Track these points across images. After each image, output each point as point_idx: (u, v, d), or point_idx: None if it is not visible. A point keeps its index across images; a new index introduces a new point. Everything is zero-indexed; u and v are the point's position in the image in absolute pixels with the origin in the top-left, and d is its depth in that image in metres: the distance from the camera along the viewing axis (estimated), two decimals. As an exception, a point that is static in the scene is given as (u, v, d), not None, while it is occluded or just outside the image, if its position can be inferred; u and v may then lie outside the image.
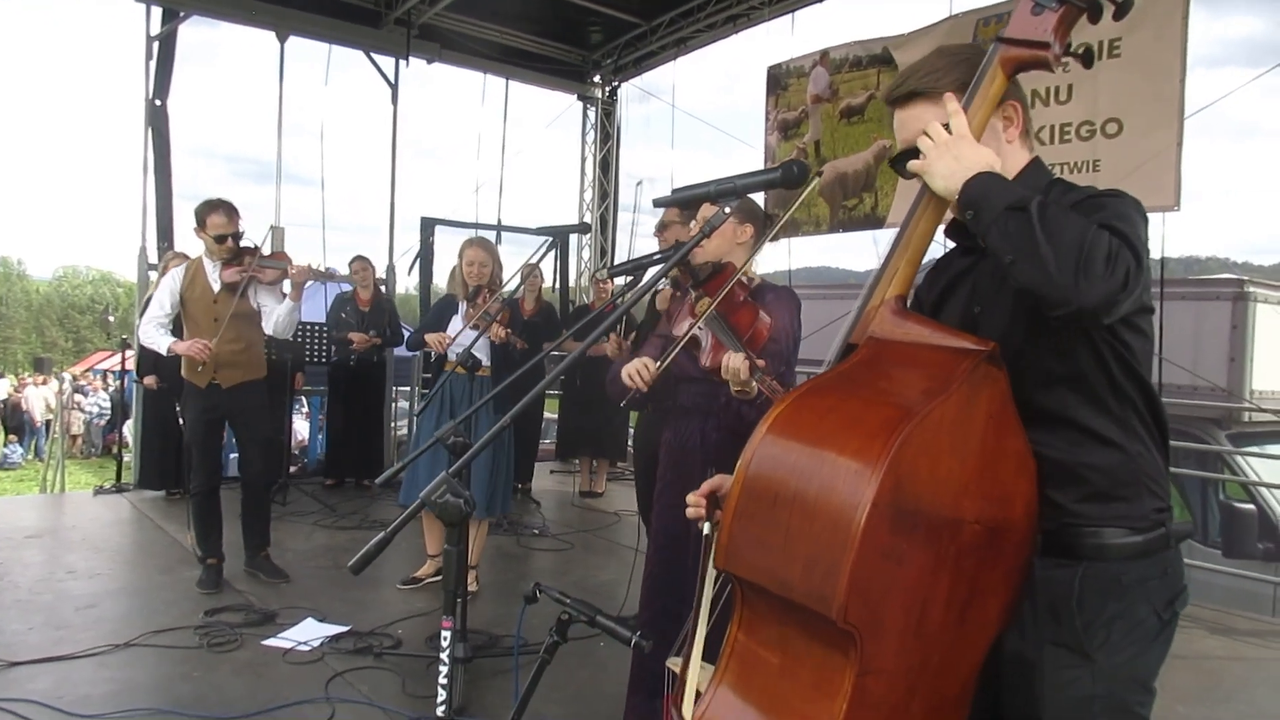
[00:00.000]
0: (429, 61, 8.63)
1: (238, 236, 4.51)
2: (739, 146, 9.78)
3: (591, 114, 10.14)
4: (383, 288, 7.86)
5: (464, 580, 3.53)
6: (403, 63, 8.42)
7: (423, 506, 1.39)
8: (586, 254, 10.30)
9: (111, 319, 33.19)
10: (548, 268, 9.08)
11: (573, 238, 9.82)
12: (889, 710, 1.29)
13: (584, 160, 10.28)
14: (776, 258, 8.73)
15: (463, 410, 4.39)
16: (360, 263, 7.21)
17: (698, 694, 1.53)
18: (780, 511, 1.30)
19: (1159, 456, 1.45)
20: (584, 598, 1.93)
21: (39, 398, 18.42)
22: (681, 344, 2.56)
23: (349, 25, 8.08)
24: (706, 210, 2.51)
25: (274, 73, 7.99)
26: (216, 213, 4.45)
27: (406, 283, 9.06)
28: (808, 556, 1.25)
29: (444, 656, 1.56)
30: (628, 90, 10.00)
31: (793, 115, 7.59)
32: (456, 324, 4.53)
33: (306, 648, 3.76)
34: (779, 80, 7.73)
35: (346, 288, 7.17)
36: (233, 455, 6.05)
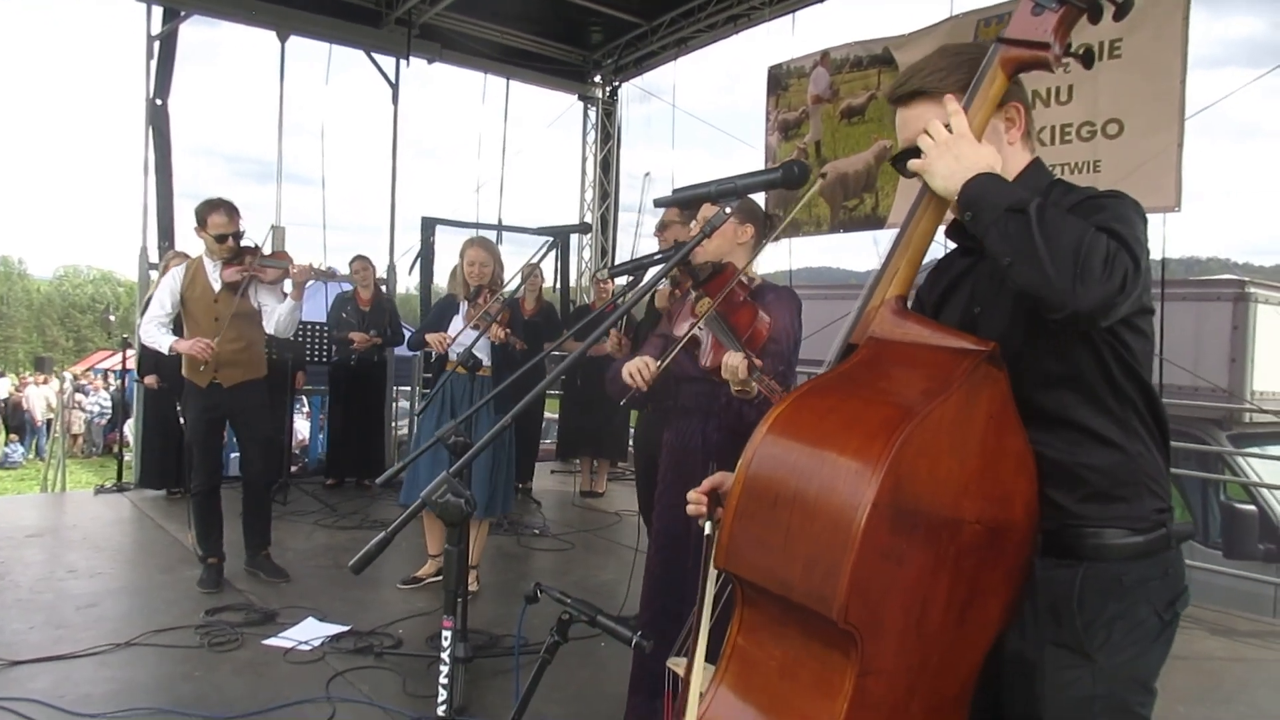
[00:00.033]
0: (430, 61, 8.63)
1: (238, 236, 4.51)
2: (739, 147, 9.80)
3: (592, 114, 10.14)
4: (383, 287, 7.86)
5: (464, 580, 3.53)
6: (403, 62, 8.42)
7: (423, 506, 1.39)
8: (587, 254, 10.30)
9: (112, 318, 33.24)
10: (548, 268, 9.10)
11: (573, 238, 9.83)
12: (889, 710, 1.29)
13: (584, 160, 10.28)
14: (777, 258, 8.75)
15: (463, 410, 4.39)
16: (360, 262, 7.21)
17: (700, 695, 1.53)
18: (781, 511, 1.30)
19: (1159, 457, 1.45)
20: (584, 598, 1.93)
21: (40, 397, 18.43)
22: (682, 344, 2.57)
23: (350, 25, 8.08)
24: (707, 210, 2.51)
25: (275, 72, 8.00)
26: (217, 212, 4.46)
27: (407, 282, 9.08)
28: (808, 556, 1.25)
29: (444, 656, 1.56)
30: (628, 90, 10.01)
31: (793, 115, 7.58)
32: (457, 324, 4.54)
33: (307, 647, 3.76)
34: (779, 80, 7.73)
35: (347, 287, 7.17)
36: (233, 455, 6.06)
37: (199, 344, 4.34)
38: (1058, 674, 1.40)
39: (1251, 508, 5.62)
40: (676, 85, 9.70)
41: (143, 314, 5.09)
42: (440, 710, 1.58)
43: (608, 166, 10.21)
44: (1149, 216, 1.41)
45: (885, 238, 6.81)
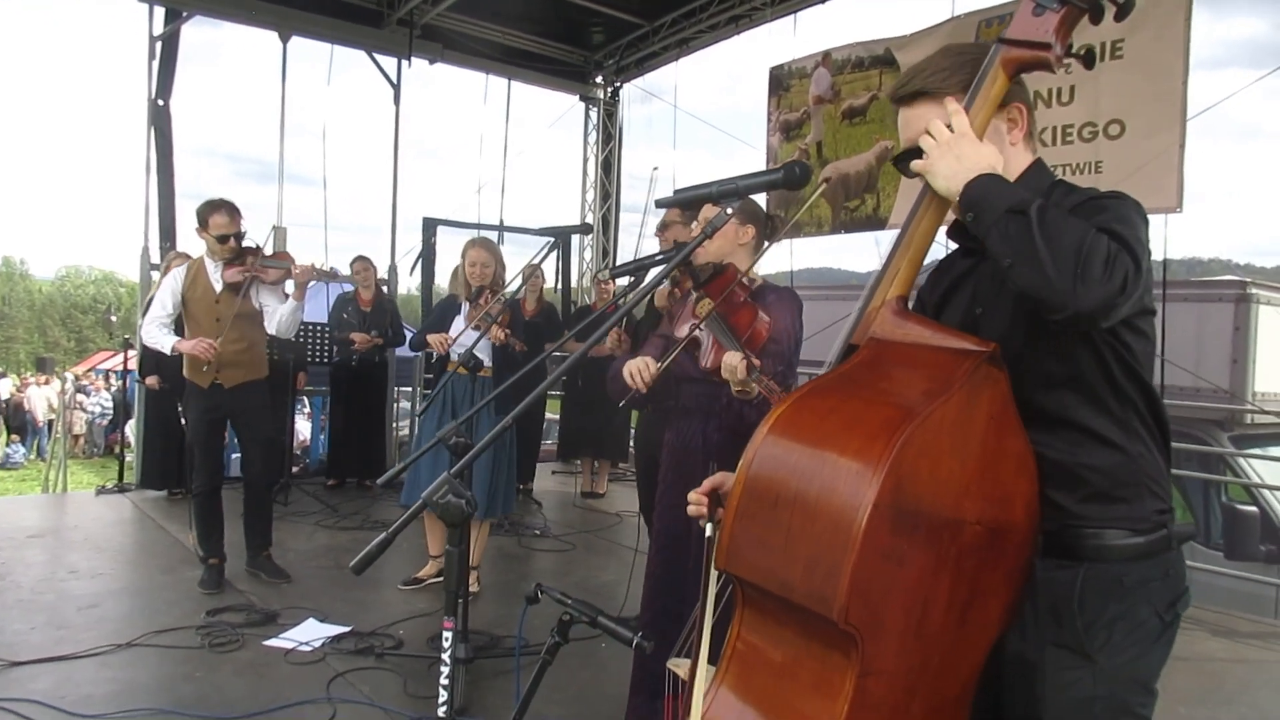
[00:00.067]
0: (431, 62, 8.64)
1: (240, 236, 4.51)
2: (741, 147, 9.79)
3: (593, 114, 10.15)
4: (384, 288, 7.86)
5: (465, 581, 3.54)
6: (405, 63, 8.43)
7: (424, 507, 1.39)
8: (588, 254, 10.31)
9: (114, 319, 33.28)
10: (550, 268, 9.10)
11: (575, 238, 9.83)
12: (889, 711, 1.29)
13: (586, 161, 10.29)
14: (779, 258, 8.75)
15: (464, 411, 4.39)
16: (362, 263, 7.22)
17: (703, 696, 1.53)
18: (781, 512, 1.30)
19: (1160, 458, 1.45)
20: (585, 598, 1.93)
21: (41, 397, 18.44)
22: (682, 345, 2.57)
23: (351, 25, 8.09)
24: (708, 211, 2.51)
25: (276, 73, 8.03)
26: (219, 213, 4.46)
27: (408, 283, 9.08)
28: (809, 557, 1.25)
29: (445, 657, 1.56)
30: (630, 91, 10.01)
31: (795, 116, 7.59)
32: (459, 324, 4.54)
33: (308, 648, 3.76)
34: (781, 81, 7.73)
35: (348, 288, 7.18)
36: (234, 455, 6.06)
37: (202, 344, 4.34)
38: (1058, 675, 1.40)
39: (1253, 509, 5.61)
40: (678, 86, 9.72)
41: (144, 315, 5.09)
42: (441, 711, 1.58)
43: (609, 167, 10.21)
44: (1150, 217, 1.40)
45: (886, 238, 6.81)
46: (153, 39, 7.19)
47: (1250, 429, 6.28)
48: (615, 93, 10.07)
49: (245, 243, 4.55)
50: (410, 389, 8.92)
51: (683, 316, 2.78)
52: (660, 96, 9.90)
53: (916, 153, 1.45)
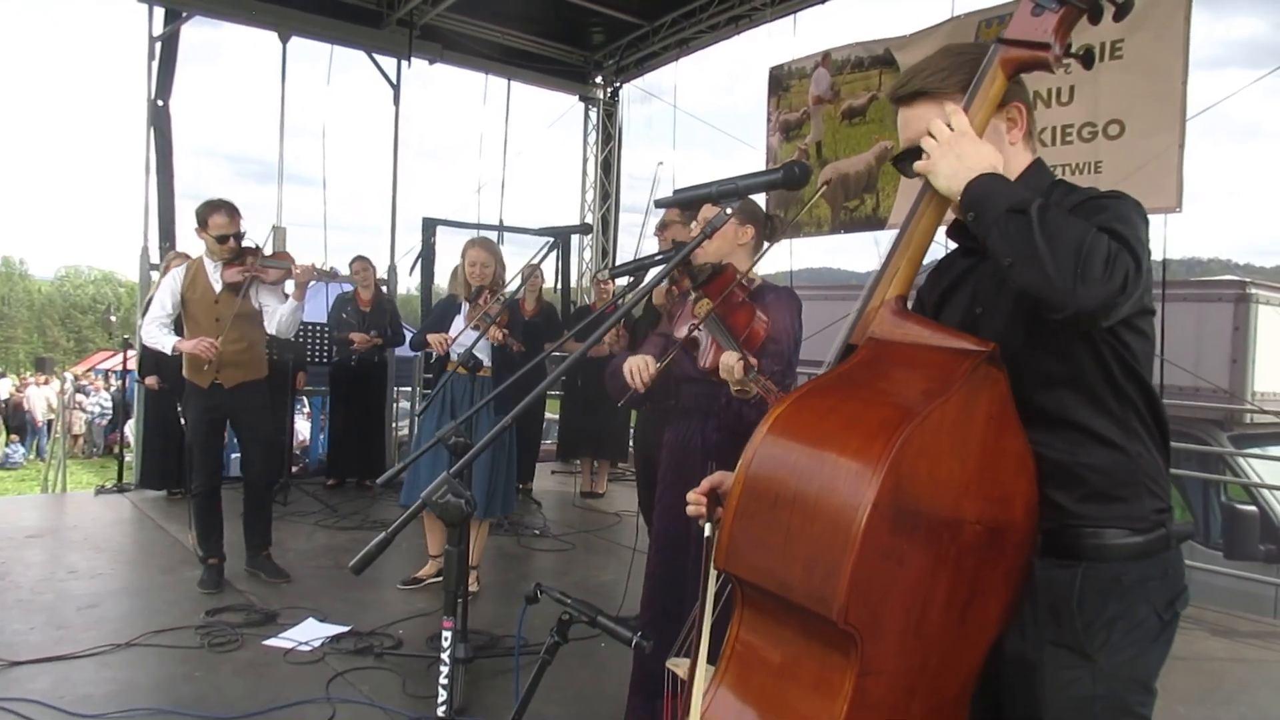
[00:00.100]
0: (431, 62, 8.64)
1: (239, 236, 4.51)
2: (740, 147, 9.78)
3: (593, 115, 10.15)
4: (384, 288, 7.86)
5: (465, 580, 3.54)
6: (404, 63, 8.43)
7: (424, 507, 1.39)
8: (588, 254, 10.31)
9: (113, 319, 33.28)
10: (549, 268, 9.10)
11: (574, 238, 9.83)
12: (889, 711, 1.29)
13: (585, 161, 10.29)
14: (778, 258, 8.75)
15: (464, 410, 4.39)
16: (361, 263, 7.22)
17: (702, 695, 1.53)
18: (781, 512, 1.30)
19: (1159, 457, 1.45)
20: (585, 598, 1.93)
21: (41, 397, 18.44)
22: (680, 345, 2.57)
23: (351, 26, 8.09)
24: (708, 211, 2.51)
25: (276, 73, 8.02)
26: (218, 213, 4.46)
27: (408, 283, 9.09)
28: (808, 557, 1.25)
29: (445, 657, 1.56)
30: (629, 91, 10.01)
31: (794, 116, 7.59)
32: (459, 324, 4.54)
33: (307, 648, 3.76)
34: (780, 81, 7.73)
35: (347, 288, 7.18)
36: (234, 455, 6.06)
37: (203, 343, 4.33)
38: (1057, 674, 1.40)
39: (1252, 508, 5.61)
40: (677, 86, 9.68)
41: (144, 315, 5.09)
42: (440, 711, 1.58)
43: (609, 167, 10.21)
44: (1150, 217, 1.41)
45: (886, 238, 6.81)
46: (152, 39, 7.19)
47: (1249, 429, 6.28)
48: (615, 93, 10.07)
49: (245, 243, 4.55)
50: (410, 389, 8.92)
51: (682, 316, 2.79)
52: (660, 96, 9.92)
53: (916, 153, 1.45)
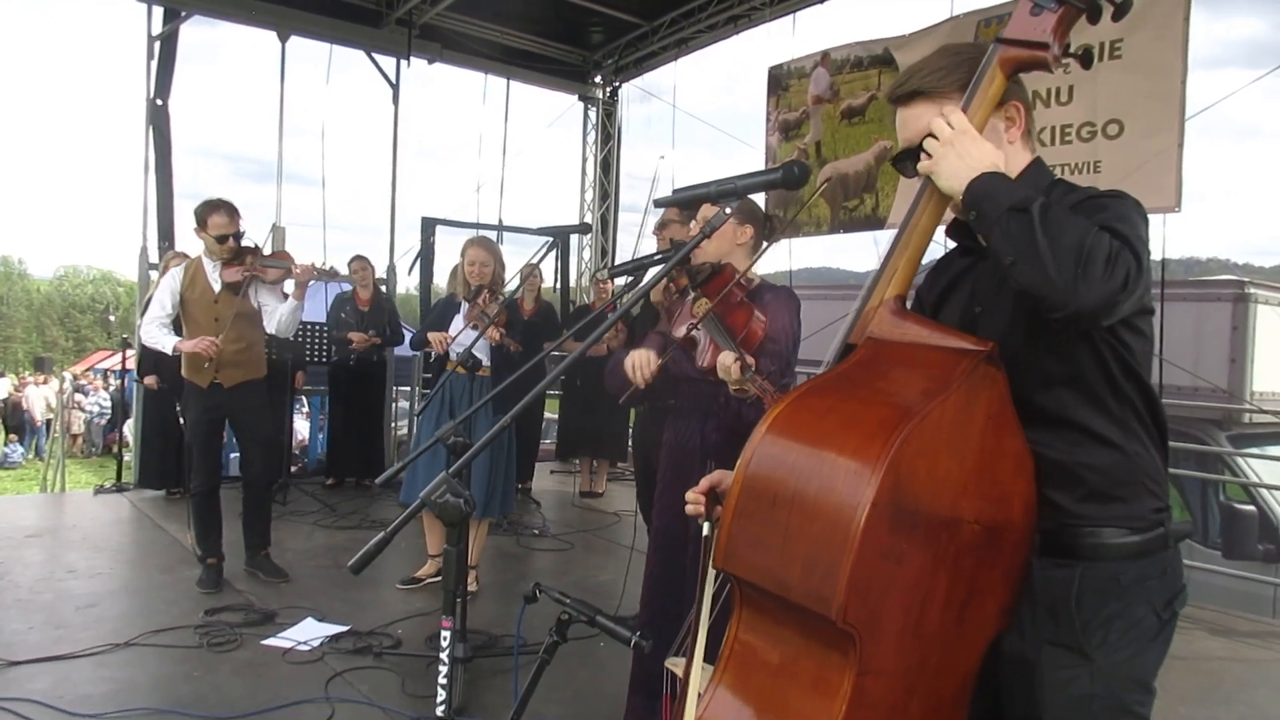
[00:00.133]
0: (430, 61, 8.64)
1: (239, 236, 4.51)
2: (739, 147, 9.81)
3: (592, 114, 10.14)
4: (383, 288, 7.86)
5: (464, 580, 3.53)
6: (404, 63, 8.42)
7: (423, 506, 1.39)
8: (587, 254, 10.31)
9: (112, 318, 33.27)
10: (549, 268, 9.10)
11: (573, 238, 9.83)
12: (888, 710, 1.29)
13: (585, 160, 10.29)
14: (778, 258, 8.75)
15: (463, 410, 4.39)
16: (359, 262, 7.21)
17: (698, 696, 1.53)
18: (779, 511, 1.30)
19: (1158, 457, 1.45)
20: (584, 598, 1.93)
21: (39, 397, 18.43)
22: (678, 345, 2.57)
23: (350, 25, 8.08)
24: (707, 211, 2.51)
25: (275, 72, 8.01)
26: (218, 213, 4.45)
27: (407, 283, 9.09)
28: (807, 557, 1.25)
29: (444, 656, 1.56)
30: (629, 90, 10.01)
31: (794, 116, 7.58)
32: (458, 323, 4.54)
33: (306, 647, 3.76)
34: (780, 81, 7.73)
35: (346, 287, 7.17)
36: (233, 455, 6.06)
37: (204, 341, 4.33)
38: (1056, 673, 1.40)
39: (1251, 508, 5.62)
40: (677, 86, 9.69)
41: (143, 314, 5.09)
42: (439, 710, 1.58)
43: (608, 167, 10.21)
44: (1149, 217, 1.41)
45: (885, 238, 6.80)
46: (151, 38, 7.18)
47: (1248, 428, 6.28)
48: (614, 92, 10.06)
49: (244, 242, 4.55)
50: (409, 388, 8.92)
51: (680, 316, 2.79)
52: (659, 96, 9.92)
53: (914, 153, 1.45)
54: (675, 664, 1.91)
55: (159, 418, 6.57)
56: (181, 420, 5.67)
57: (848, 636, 1.23)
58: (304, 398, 9.53)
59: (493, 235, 8.13)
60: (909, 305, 1.52)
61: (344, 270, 6.69)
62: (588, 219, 10.18)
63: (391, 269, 8.44)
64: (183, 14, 7.28)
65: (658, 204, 2.01)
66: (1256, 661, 4.22)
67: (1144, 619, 1.39)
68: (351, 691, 3.37)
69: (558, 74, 9.68)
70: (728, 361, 2.37)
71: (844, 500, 1.22)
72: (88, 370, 23.13)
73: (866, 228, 7.02)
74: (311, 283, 4.65)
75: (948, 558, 1.28)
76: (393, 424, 8.40)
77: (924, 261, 1.53)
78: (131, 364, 7.28)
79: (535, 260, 3.93)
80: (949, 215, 1.52)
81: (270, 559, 4.78)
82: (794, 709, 1.32)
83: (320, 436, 8.73)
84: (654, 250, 3.79)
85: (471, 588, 4.41)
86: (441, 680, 1.57)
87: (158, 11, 7.19)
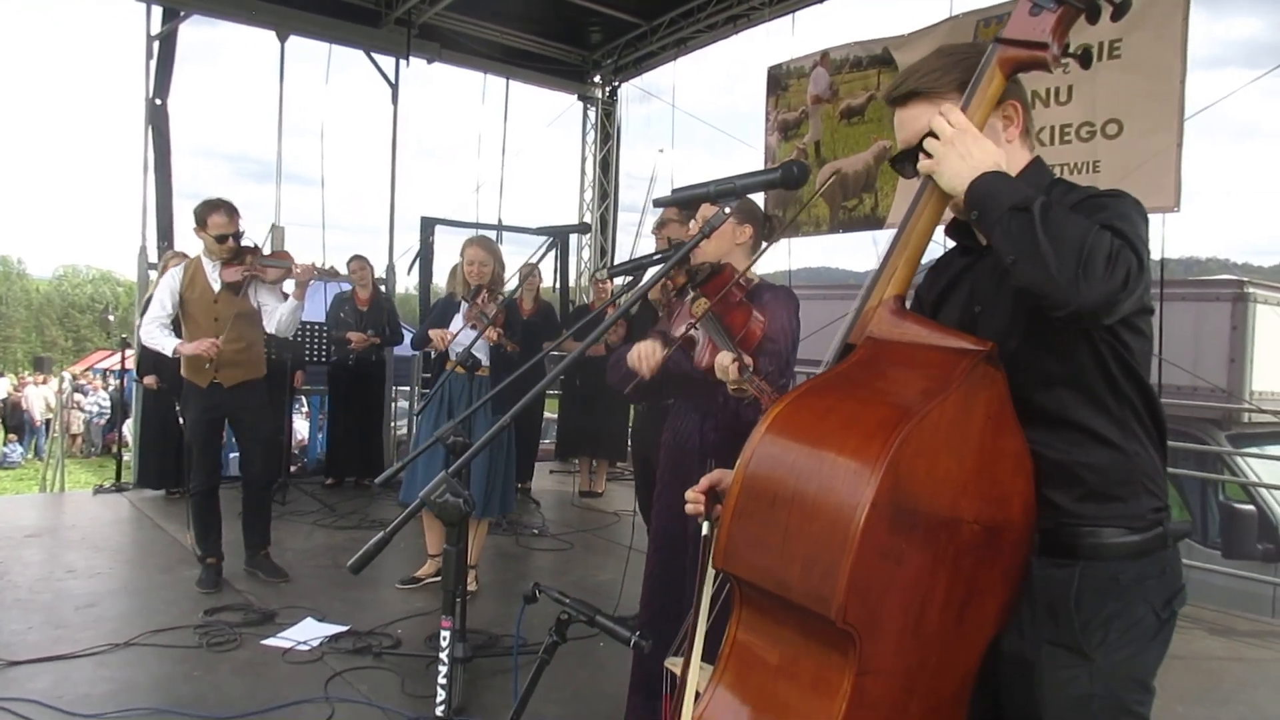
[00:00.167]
0: (429, 61, 8.64)
1: (238, 236, 4.51)
2: (739, 147, 9.82)
3: (592, 114, 10.14)
4: (382, 287, 7.86)
5: (463, 580, 3.53)
6: (403, 62, 8.42)
7: (422, 506, 1.39)
8: (586, 254, 10.31)
9: (111, 318, 33.29)
10: (548, 268, 9.10)
11: (573, 238, 9.83)
12: (887, 710, 1.29)
13: (584, 160, 10.28)
14: (777, 258, 8.75)
15: (462, 410, 4.39)
16: (358, 262, 7.21)
17: (697, 695, 1.53)
18: (779, 511, 1.30)
19: (1157, 456, 1.45)
20: (583, 597, 1.93)
21: (39, 397, 18.42)
22: (678, 343, 2.57)
23: (349, 25, 8.08)
24: (706, 210, 2.51)
25: (274, 72, 8.01)
26: (217, 213, 4.45)
27: (406, 282, 9.09)
28: (806, 556, 1.25)
29: (443, 656, 1.56)
30: (628, 90, 10.01)
31: (793, 116, 7.59)
32: (458, 322, 4.54)
33: (306, 647, 3.76)
34: (779, 81, 7.73)
35: (345, 287, 7.18)
36: (233, 454, 6.05)
37: (204, 343, 4.33)
38: (1055, 673, 1.40)
39: (1250, 508, 5.62)
40: (676, 85, 9.71)
41: (142, 314, 5.09)
42: (439, 710, 1.58)
43: (607, 166, 10.22)
44: (1149, 216, 1.41)
45: (884, 238, 6.81)
46: (150, 38, 7.18)
47: (1247, 428, 6.29)
48: (613, 92, 10.06)
49: (244, 242, 4.55)
50: (408, 388, 8.92)
51: (679, 315, 2.78)
52: (658, 96, 9.93)
53: (913, 153, 1.45)
54: (675, 664, 1.91)
55: (158, 417, 6.57)
56: (181, 420, 5.67)
57: (847, 636, 1.23)
58: (303, 397, 9.54)
59: (492, 235, 8.12)
60: (908, 305, 1.52)
61: (343, 270, 6.70)
62: (587, 219, 10.18)
63: (391, 269, 8.44)
64: (182, 14, 7.28)
65: (657, 204, 2.01)
66: (1256, 661, 4.22)
67: (1143, 618, 1.39)
68: (351, 691, 3.37)
69: (557, 74, 9.68)
70: (726, 361, 2.37)
71: (844, 500, 1.22)
72: (87, 370, 23.12)
73: (866, 227, 7.03)
74: (311, 282, 4.66)
75: (947, 557, 1.29)
76: (392, 424, 8.40)
77: (923, 261, 1.53)
78: (131, 364, 7.27)
79: (534, 260, 3.93)
80: (948, 215, 1.52)
81: (270, 559, 4.78)
82: (793, 709, 1.32)
83: (320, 436, 8.73)
84: (653, 250, 3.79)
85: (471, 587, 4.41)
86: (441, 680, 1.57)
87: (157, 11, 7.18)
